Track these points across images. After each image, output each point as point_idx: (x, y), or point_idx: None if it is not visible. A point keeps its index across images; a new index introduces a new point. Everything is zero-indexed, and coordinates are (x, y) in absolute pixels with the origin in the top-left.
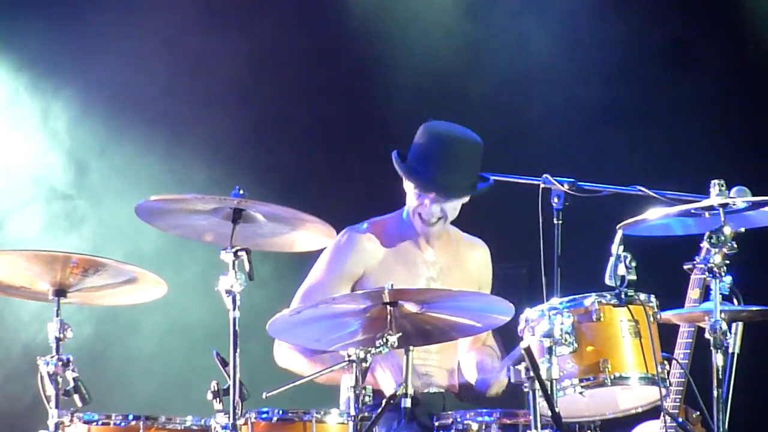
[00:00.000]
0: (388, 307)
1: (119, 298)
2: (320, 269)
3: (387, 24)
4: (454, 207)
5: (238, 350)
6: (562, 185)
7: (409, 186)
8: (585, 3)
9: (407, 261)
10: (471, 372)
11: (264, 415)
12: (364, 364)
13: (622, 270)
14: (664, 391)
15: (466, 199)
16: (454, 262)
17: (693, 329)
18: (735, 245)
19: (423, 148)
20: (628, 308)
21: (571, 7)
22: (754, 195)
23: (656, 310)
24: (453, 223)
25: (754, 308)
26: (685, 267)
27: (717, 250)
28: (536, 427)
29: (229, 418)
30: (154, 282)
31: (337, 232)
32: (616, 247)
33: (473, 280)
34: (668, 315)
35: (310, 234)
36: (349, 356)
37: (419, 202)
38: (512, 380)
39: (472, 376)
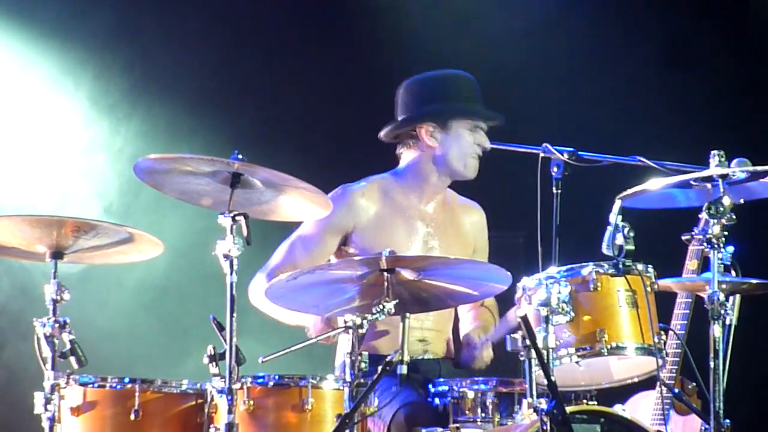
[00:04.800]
0: (384, 273)
1: (117, 257)
2: (310, 222)
3: None
4: None
5: (234, 315)
6: (562, 154)
7: (455, 133)
8: None
9: (405, 216)
10: (464, 335)
11: (260, 380)
12: (360, 331)
13: (620, 240)
14: (660, 361)
15: None
16: (450, 222)
17: (690, 300)
18: (734, 216)
19: (441, 91)
20: (626, 278)
21: None
22: (754, 166)
23: (654, 280)
24: (450, 186)
25: (754, 281)
26: (683, 238)
27: (716, 221)
28: (532, 396)
29: (225, 382)
30: (150, 242)
31: None
32: (615, 217)
33: (468, 243)
34: (668, 282)
35: (303, 201)
36: (345, 322)
37: (473, 140)
38: (509, 348)
39: (464, 342)
